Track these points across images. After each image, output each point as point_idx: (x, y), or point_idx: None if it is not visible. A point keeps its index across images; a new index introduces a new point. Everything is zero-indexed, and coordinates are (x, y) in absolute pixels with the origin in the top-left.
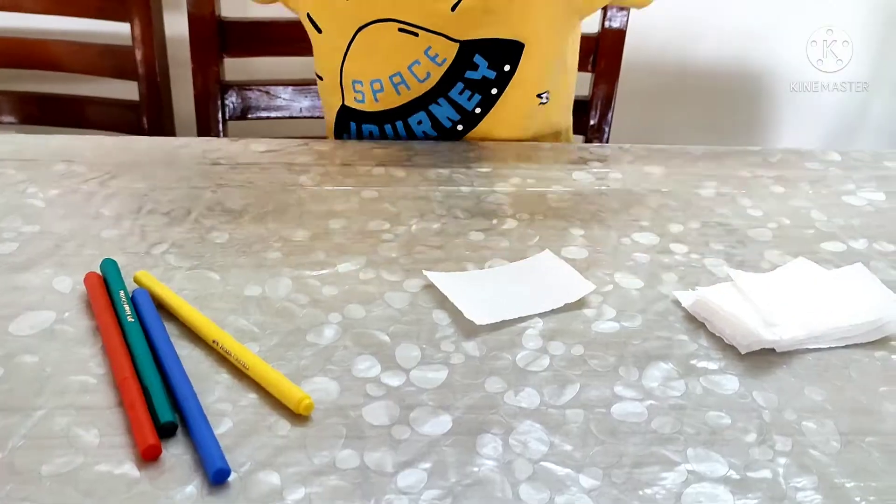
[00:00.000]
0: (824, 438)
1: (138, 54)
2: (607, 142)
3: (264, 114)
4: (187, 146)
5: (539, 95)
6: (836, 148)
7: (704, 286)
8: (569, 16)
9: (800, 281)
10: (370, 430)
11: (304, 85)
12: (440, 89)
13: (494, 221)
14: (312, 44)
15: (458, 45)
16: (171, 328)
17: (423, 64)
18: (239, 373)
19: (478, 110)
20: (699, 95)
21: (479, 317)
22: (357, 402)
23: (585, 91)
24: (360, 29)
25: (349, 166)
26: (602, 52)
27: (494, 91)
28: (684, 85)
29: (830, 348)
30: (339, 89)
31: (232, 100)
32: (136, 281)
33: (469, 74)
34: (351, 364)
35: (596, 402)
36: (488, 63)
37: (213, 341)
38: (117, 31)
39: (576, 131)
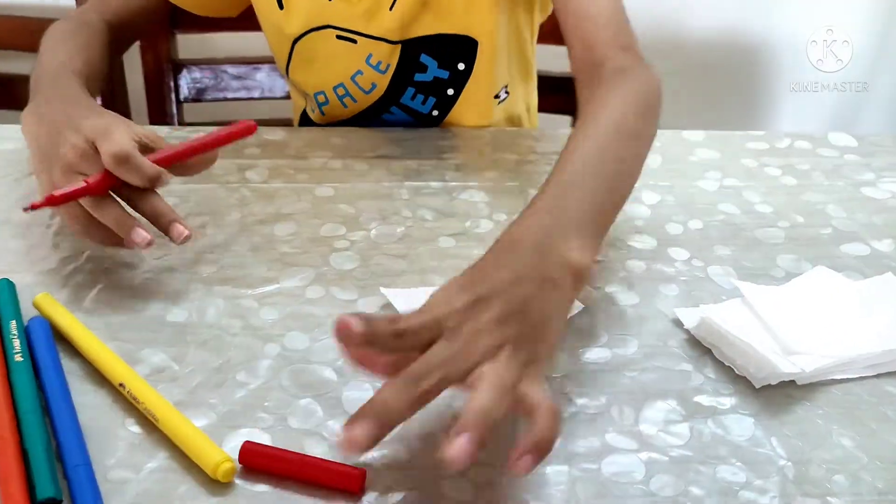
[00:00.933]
0: (858, 499)
1: None
2: None
3: (222, 95)
4: None
5: (496, 96)
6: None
7: (709, 302)
8: (523, 8)
9: (820, 296)
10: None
11: (266, 63)
12: (389, 98)
13: (467, 223)
14: None
15: (399, 46)
16: (72, 367)
17: (367, 74)
18: (149, 424)
19: (435, 113)
20: (694, 71)
21: None
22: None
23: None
24: (297, 39)
25: (303, 159)
26: None
27: (451, 91)
28: (678, 57)
29: (860, 378)
30: (302, 95)
31: (186, 80)
32: (35, 306)
33: (419, 77)
34: (288, 410)
35: (583, 455)
36: (438, 62)
37: (120, 384)
38: (58, 2)
39: (561, 112)
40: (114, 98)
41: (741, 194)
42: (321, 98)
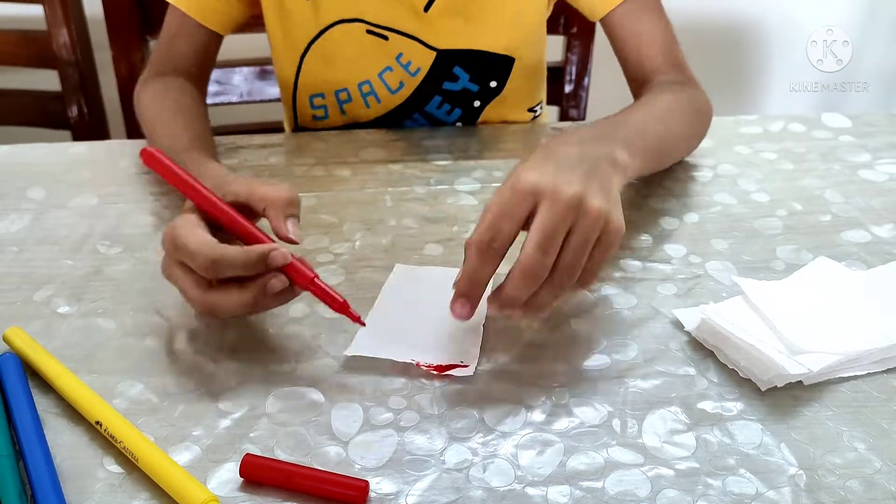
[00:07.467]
0: None
1: (56, 39)
2: (585, 111)
3: None
4: (93, 150)
5: (532, 109)
6: None
7: (709, 300)
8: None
9: (823, 289)
10: None
11: (244, 66)
12: (415, 102)
13: (455, 228)
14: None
15: (434, 53)
16: (45, 404)
17: (396, 72)
18: (129, 463)
19: (458, 125)
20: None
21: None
22: (279, 498)
23: (558, 56)
24: (320, 33)
25: (283, 166)
26: (575, 12)
27: (477, 103)
28: None
29: (868, 374)
30: (292, 108)
31: None
32: (5, 341)
33: (447, 86)
34: (275, 439)
35: (585, 472)
36: (470, 77)
37: (97, 422)
38: (31, 14)
39: (550, 101)
40: (90, 111)
41: (736, 183)
42: (343, 96)
